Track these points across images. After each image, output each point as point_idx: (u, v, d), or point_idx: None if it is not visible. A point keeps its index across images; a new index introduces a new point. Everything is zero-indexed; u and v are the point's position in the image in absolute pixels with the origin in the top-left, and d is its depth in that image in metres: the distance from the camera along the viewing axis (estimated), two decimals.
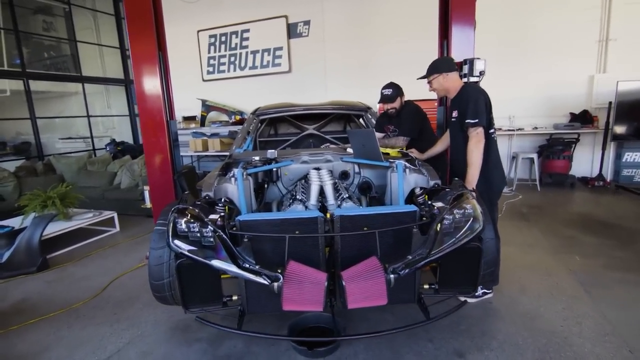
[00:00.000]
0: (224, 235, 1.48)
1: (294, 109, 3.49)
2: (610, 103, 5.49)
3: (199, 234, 1.55)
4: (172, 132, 3.58)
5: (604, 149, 5.73)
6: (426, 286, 1.72)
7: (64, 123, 9.83)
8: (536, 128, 6.19)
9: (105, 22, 9.46)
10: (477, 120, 2.20)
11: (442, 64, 2.44)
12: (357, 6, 7.01)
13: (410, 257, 1.40)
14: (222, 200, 2.09)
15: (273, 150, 2.65)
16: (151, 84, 3.42)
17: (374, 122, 3.37)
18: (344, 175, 2.71)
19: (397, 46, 6.73)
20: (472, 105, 2.23)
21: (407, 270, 1.36)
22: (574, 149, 5.93)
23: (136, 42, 3.38)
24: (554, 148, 5.91)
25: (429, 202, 1.71)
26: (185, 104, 8.58)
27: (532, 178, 6.13)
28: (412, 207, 1.61)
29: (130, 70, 9.37)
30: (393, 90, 2.88)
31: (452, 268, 1.67)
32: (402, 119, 2.89)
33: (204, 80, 8.55)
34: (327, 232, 1.53)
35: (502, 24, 6.00)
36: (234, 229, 1.55)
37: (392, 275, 1.35)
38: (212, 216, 1.63)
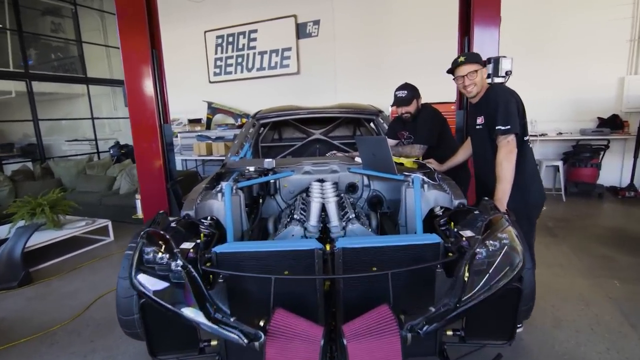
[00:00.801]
0: (193, 273, 1.17)
1: (297, 112, 3.18)
2: None
3: (167, 268, 1.25)
4: (166, 137, 3.30)
5: (635, 156, 5.27)
6: (450, 332, 1.39)
7: (71, 125, 9.75)
8: (561, 133, 5.75)
9: (112, 22, 9.32)
10: (509, 127, 1.86)
11: (480, 58, 2.09)
12: (368, 4, 6.69)
13: (433, 310, 1.07)
14: (207, 220, 1.80)
15: (271, 160, 2.34)
16: (143, 85, 3.15)
17: (386, 127, 3.04)
18: (352, 188, 2.39)
19: (411, 46, 6.39)
20: (502, 108, 1.88)
21: (428, 328, 1.03)
22: (603, 156, 5.48)
23: (127, 39, 3.11)
24: (581, 155, 5.46)
25: (455, 230, 1.38)
26: (191, 106, 8.39)
27: (556, 187, 5.69)
28: (434, 238, 1.28)
29: None
30: (408, 92, 2.54)
31: (483, 313, 1.33)
32: (418, 124, 2.54)
33: (210, 82, 8.34)
34: (324, 274, 1.21)
35: (522, 23, 5.59)
36: (208, 264, 1.24)
37: (409, 334, 1.02)
38: (184, 245, 1.32)
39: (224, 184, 1.87)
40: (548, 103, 5.92)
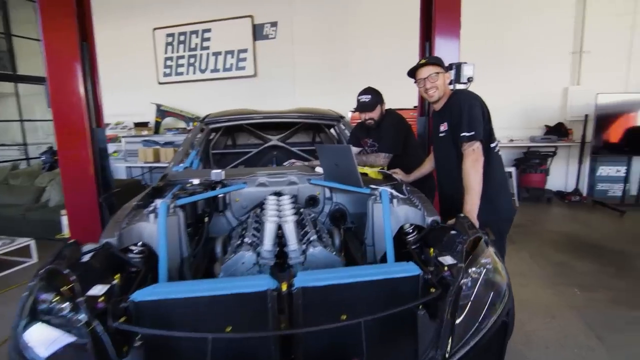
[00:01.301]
0: (98, 334, 0.87)
1: (251, 116, 2.90)
2: (586, 116, 5.33)
3: (68, 323, 0.93)
4: (98, 143, 2.87)
5: (580, 163, 5.56)
6: None
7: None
8: (512, 140, 5.95)
9: None
10: (473, 133, 1.72)
11: (442, 62, 1.96)
12: (329, 6, 6.55)
13: None
14: (137, 248, 1.47)
15: (219, 171, 2.04)
16: (70, 83, 2.71)
17: (348, 133, 2.85)
18: (312, 201, 2.15)
19: (373, 50, 6.32)
20: (466, 114, 1.75)
21: None
22: (551, 162, 5.73)
23: (51, 29, 2.66)
24: (531, 161, 5.68)
25: (434, 256, 1.18)
26: (138, 108, 7.72)
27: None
28: (412, 269, 1.07)
29: None
30: (372, 97, 2.36)
31: (466, 354, 1.14)
32: (383, 131, 2.37)
33: (159, 82, 7.76)
34: (281, 328, 0.96)
35: (473, 32, 5.72)
36: (123, 319, 0.93)
37: None
38: (94, 290, 1.00)
39: (158, 202, 1.55)
40: (500, 111, 5.99)
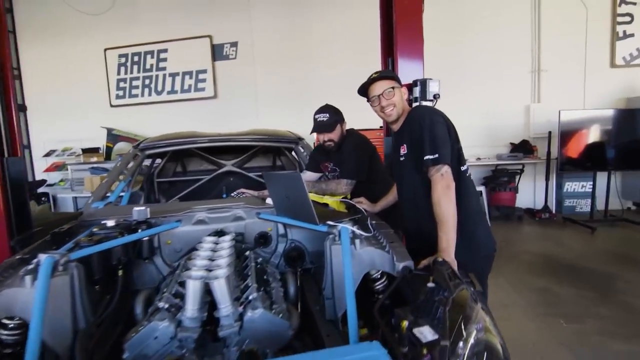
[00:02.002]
0: None
1: (194, 139, 2.53)
2: (549, 132, 5.35)
3: None
4: (9, 174, 2.39)
5: (547, 179, 5.55)
6: None
7: None
8: (479, 159, 5.90)
9: None
10: (437, 156, 1.44)
11: (396, 75, 1.69)
12: (289, 25, 6.39)
13: None
14: (10, 323, 1.06)
15: (143, 208, 1.65)
16: None
17: (307, 157, 2.54)
18: (263, 240, 1.80)
19: (336, 68, 6.16)
20: (427, 132, 1.47)
21: None
22: (519, 180, 5.69)
23: None
24: (500, 180, 5.61)
25: (409, 330, 0.85)
26: (88, 133, 7.13)
27: None
28: (377, 354, 0.74)
29: (20, 93, 7.67)
30: (330, 116, 2.08)
31: None
32: (344, 154, 2.08)
33: (112, 105, 7.22)
34: None
35: (434, 50, 5.69)
36: None
37: None
38: None
39: (42, 257, 1.14)
40: (465, 129, 5.91)
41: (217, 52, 6.67)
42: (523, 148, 5.77)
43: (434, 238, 1.46)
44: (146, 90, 7.02)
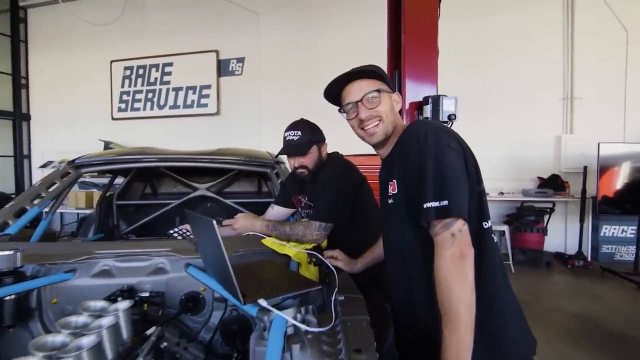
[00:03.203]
0: None
1: (140, 157, 2.04)
2: (585, 168, 4.68)
3: None
4: None
5: (582, 221, 4.81)
6: None
7: None
8: (502, 193, 5.23)
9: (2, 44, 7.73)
10: (446, 203, 0.87)
11: (386, 76, 1.12)
12: (297, 41, 6.05)
13: None
14: None
15: (10, 252, 1.15)
16: None
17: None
18: (191, 303, 1.26)
19: None
20: (432, 163, 0.91)
21: None
22: (549, 220, 4.98)
23: None
24: (526, 218, 4.91)
25: None
26: (87, 146, 6.83)
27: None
28: None
29: (24, 102, 7.57)
30: (303, 134, 1.55)
31: None
32: (318, 187, 1.54)
33: (113, 118, 7.00)
34: None
35: (454, 69, 5.19)
36: None
37: None
38: None
39: None
40: (485, 159, 5.33)
41: (222, 68, 6.38)
42: (553, 184, 5.08)
43: (434, 333, 0.89)
44: (148, 104, 6.77)
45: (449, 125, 2.00)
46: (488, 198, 1.07)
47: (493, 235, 0.99)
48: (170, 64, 6.62)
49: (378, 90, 1.05)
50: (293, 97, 6.04)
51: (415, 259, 0.99)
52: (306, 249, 1.34)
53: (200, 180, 2.80)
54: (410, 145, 0.96)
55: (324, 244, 1.50)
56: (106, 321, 0.96)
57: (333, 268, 1.18)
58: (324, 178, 1.51)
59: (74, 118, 7.17)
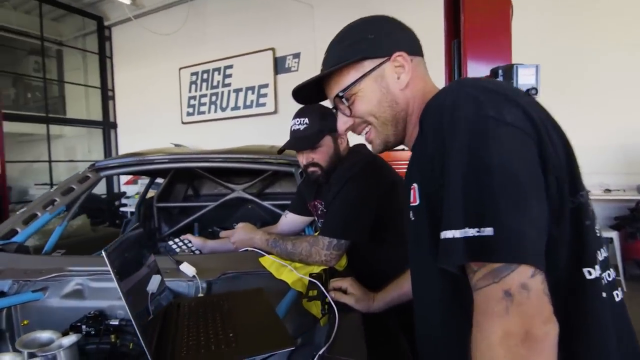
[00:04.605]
0: None
1: (150, 159, 1.88)
2: None
3: None
4: None
5: None
6: None
7: (43, 168, 8.96)
8: (609, 191, 4.21)
9: (93, 61, 8.74)
10: (491, 232, 0.45)
11: (375, 29, 0.70)
12: None
13: None
14: None
15: None
16: None
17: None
18: None
19: None
20: (461, 154, 0.49)
21: None
22: None
23: None
24: None
25: None
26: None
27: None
28: None
29: (112, 112, 8.46)
30: (311, 123, 1.20)
31: None
32: (331, 191, 1.17)
33: (183, 122, 7.40)
34: None
35: (545, 35, 4.29)
36: None
37: None
38: None
39: None
40: (587, 149, 4.35)
41: (279, 65, 6.29)
42: None
43: None
44: (212, 106, 6.99)
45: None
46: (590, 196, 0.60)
47: (612, 294, 0.54)
48: (231, 67, 6.74)
49: (347, 87, 0.69)
50: None
51: (446, 310, 0.59)
52: (310, 274, 1.00)
53: (238, 181, 2.64)
54: (428, 127, 0.57)
55: (343, 263, 1.14)
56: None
57: (335, 307, 0.82)
58: (338, 180, 1.14)
59: (151, 123, 7.76)
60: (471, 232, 0.46)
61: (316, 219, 1.37)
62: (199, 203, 2.74)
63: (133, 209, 6.19)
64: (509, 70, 1.64)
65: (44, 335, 0.90)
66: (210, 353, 0.63)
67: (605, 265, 0.55)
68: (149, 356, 0.60)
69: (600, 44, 4.32)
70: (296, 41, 6.12)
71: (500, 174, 0.47)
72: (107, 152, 8.38)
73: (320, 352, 0.65)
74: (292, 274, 1.01)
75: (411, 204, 0.63)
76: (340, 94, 0.68)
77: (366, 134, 0.71)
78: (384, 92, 0.67)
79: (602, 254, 0.55)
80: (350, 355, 0.73)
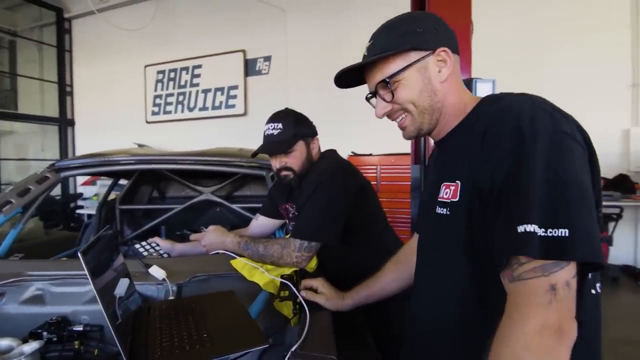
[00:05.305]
0: None
1: (114, 159, 1.84)
2: None
3: None
4: None
5: None
6: None
7: None
8: None
9: (50, 54, 8.22)
10: (566, 233, 0.51)
11: (424, 24, 0.72)
12: (326, 38, 5.75)
13: None
14: None
15: None
16: None
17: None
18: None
19: None
20: (544, 162, 0.54)
21: None
22: (615, 228, 4.25)
23: None
24: None
25: None
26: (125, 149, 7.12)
27: None
28: None
29: (70, 109, 8.00)
30: (285, 127, 1.25)
31: None
32: (303, 194, 1.22)
33: (147, 122, 7.15)
34: None
35: (505, 59, 4.61)
36: None
37: None
38: None
39: None
40: None
41: (249, 67, 6.25)
42: (621, 185, 4.34)
43: None
44: (179, 106, 6.82)
45: None
46: None
47: (596, 287, 0.63)
48: (200, 66, 6.62)
49: (393, 75, 0.71)
50: (321, 95, 5.74)
51: (467, 305, 0.64)
52: (282, 276, 1.03)
53: (206, 184, 2.61)
54: (499, 131, 0.60)
55: (313, 265, 1.18)
56: None
57: (305, 305, 0.86)
58: (310, 184, 1.19)
59: (113, 122, 7.43)
60: (543, 232, 0.51)
61: (287, 221, 1.41)
62: (165, 205, 2.67)
63: (90, 211, 5.93)
64: (469, 84, 1.76)
65: (4, 342, 0.87)
66: (185, 353, 0.65)
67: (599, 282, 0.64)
68: (124, 357, 0.61)
69: (550, 66, 4.70)
70: (267, 44, 6.12)
71: (573, 184, 0.54)
72: (63, 151, 7.91)
73: (293, 349, 0.69)
74: (263, 276, 1.04)
75: (446, 198, 0.68)
76: (387, 80, 0.71)
77: (401, 120, 0.75)
78: (426, 83, 0.71)
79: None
80: (320, 352, 0.77)
